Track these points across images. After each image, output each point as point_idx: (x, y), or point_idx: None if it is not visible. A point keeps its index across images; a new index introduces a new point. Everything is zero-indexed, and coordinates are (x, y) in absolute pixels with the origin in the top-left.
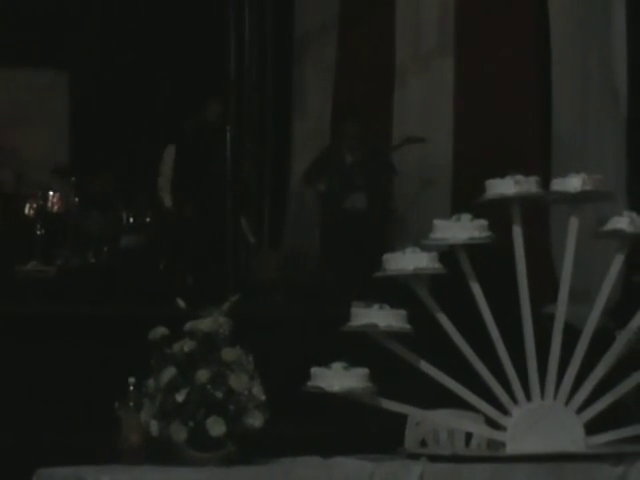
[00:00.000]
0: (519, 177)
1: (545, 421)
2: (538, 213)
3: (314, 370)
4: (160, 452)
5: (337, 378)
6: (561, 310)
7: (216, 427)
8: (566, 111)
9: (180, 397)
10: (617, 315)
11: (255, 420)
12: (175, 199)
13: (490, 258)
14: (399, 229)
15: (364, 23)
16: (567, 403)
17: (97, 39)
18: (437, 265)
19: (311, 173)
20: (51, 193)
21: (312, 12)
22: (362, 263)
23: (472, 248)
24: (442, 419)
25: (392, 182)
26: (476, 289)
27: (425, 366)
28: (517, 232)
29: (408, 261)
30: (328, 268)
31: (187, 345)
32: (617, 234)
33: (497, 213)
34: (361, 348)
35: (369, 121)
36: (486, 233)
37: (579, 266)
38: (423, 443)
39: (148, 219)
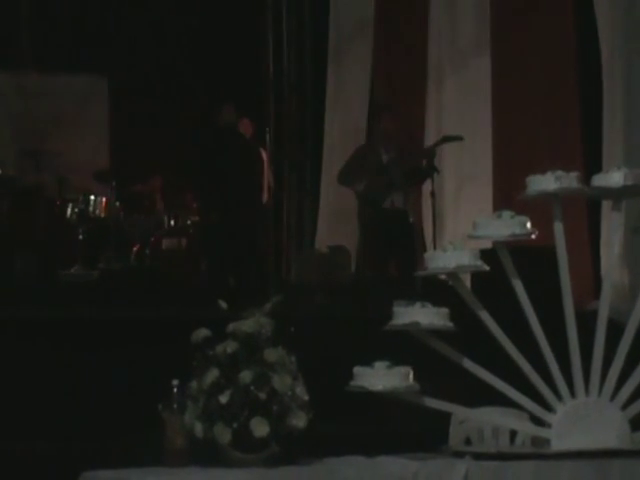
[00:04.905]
0: (560, 173)
1: (590, 418)
2: (580, 209)
3: (357, 369)
4: (204, 454)
5: (380, 377)
6: (604, 306)
7: (260, 428)
8: (607, 105)
9: (224, 398)
10: None
11: (299, 420)
12: (215, 201)
13: (532, 255)
14: (439, 227)
15: (399, 22)
16: (612, 399)
17: (136, 43)
18: (479, 262)
19: (346, 172)
20: (93, 197)
21: (348, 12)
22: (403, 262)
23: (514, 245)
24: (486, 417)
25: (432, 180)
26: (518, 286)
27: (468, 364)
28: (559, 228)
29: (450, 259)
30: (368, 267)
31: (230, 346)
32: None
33: (539, 210)
34: (404, 347)
35: (404, 119)
36: (528, 230)
37: (622, 262)
38: (467, 441)
39: (189, 221)
